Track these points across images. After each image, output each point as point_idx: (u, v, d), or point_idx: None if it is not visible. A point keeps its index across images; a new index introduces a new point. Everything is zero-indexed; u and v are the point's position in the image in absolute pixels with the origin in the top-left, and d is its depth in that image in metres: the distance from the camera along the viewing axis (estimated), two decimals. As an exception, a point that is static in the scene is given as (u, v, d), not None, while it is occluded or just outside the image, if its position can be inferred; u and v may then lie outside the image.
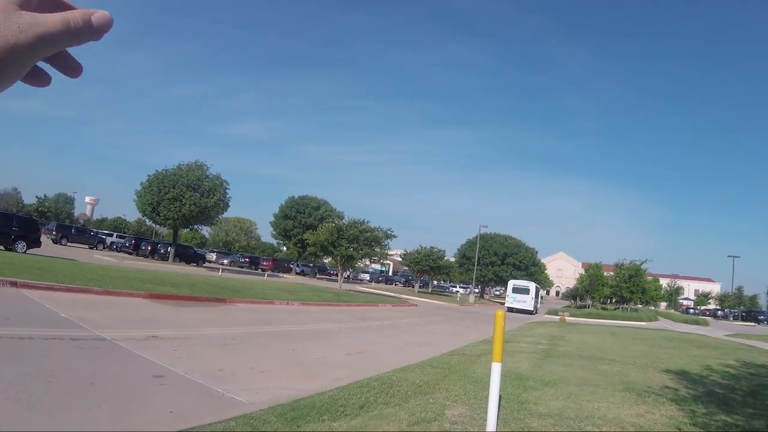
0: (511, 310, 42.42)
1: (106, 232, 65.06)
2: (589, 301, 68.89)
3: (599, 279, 60.29)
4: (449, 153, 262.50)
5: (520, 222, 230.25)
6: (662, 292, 79.74)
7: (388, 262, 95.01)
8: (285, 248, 75.25)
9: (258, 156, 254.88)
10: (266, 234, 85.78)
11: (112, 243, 53.07)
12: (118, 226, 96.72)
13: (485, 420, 5.26)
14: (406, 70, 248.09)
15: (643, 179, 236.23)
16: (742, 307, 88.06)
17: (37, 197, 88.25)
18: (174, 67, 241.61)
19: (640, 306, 63.50)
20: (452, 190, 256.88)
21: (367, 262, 50.43)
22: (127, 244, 49.91)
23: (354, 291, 38.31)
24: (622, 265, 56.20)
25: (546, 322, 31.48)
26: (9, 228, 24.24)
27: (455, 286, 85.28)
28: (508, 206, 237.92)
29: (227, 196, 44.55)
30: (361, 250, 38.11)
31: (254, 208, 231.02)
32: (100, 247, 50.09)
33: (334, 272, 67.09)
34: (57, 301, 11.54)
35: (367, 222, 39.01)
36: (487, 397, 5.30)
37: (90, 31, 0.66)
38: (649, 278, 59.99)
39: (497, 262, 66.66)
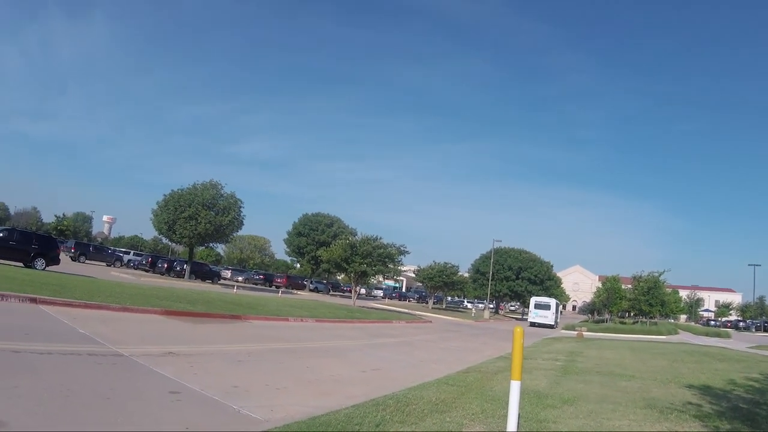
0: (533, 324, 46.35)
1: (123, 249, 65.83)
2: (606, 315, 67.96)
3: (617, 292, 59.42)
4: (460, 167, 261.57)
5: (534, 235, 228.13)
6: (682, 305, 78.22)
7: (401, 278, 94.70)
8: (299, 265, 75.51)
9: (270, 174, 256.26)
10: (280, 251, 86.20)
11: (129, 260, 53.65)
12: (135, 244, 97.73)
13: (504, 438, 5.17)
14: (414, 85, 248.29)
15: (658, 189, 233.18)
16: (764, 318, 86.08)
17: (55, 216, 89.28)
18: (186, 88, 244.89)
19: (659, 319, 62.44)
20: (464, 205, 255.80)
21: (381, 279, 50.38)
22: (143, 262, 50.33)
23: (368, 307, 38.21)
24: (640, 277, 55.11)
25: (563, 338, 31.09)
26: (29, 246, 24.59)
27: (471, 302, 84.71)
28: (522, 220, 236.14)
29: (241, 214, 44.89)
30: (375, 266, 38.02)
31: (268, 226, 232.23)
32: (118, 264, 50.64)
33: (348, 289, 66.91)
34: (75, 317, 11.64)
35: (380, 238, 38.98)
36: (505, 416, 5.22)
37: None
38: (668, 290, 59.03)
39: (512, 276, 66.14)
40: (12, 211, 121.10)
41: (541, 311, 49.01)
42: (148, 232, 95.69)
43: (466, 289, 68.94)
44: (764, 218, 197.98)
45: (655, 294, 53.08)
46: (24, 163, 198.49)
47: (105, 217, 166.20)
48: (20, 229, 28.88)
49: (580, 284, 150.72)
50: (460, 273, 62.24)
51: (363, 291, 75.92)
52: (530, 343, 23.31)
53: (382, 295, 79.96)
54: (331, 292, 67.51)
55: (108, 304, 14.18)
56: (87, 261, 46.22)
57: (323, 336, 16.89)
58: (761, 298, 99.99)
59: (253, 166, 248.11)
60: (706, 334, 49.24)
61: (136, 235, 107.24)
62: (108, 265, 47.58)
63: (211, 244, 55.43)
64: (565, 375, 12.41)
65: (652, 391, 10.43)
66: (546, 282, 68.49)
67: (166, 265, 47.30)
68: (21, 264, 23.91)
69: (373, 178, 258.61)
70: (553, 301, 51.76)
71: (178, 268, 47.23)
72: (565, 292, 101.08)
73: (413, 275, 68.15)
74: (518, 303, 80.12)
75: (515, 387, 5.06)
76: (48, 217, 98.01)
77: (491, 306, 67.37)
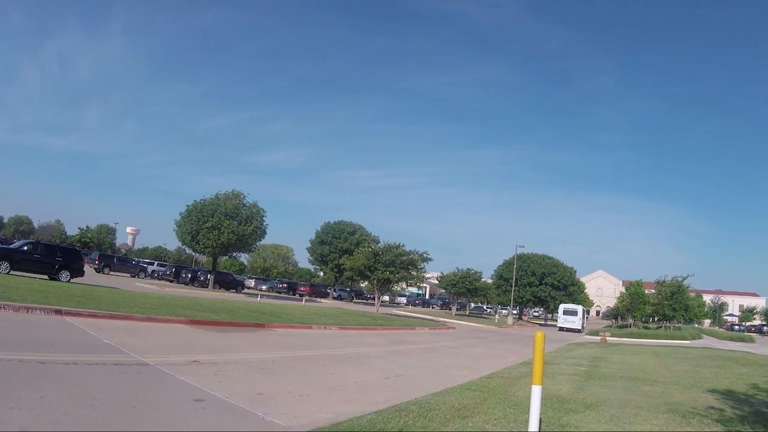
0: (562, 329, 51.89)
1: (147, 260, 66.63)
2: (630, 321, 66.95)
3: (640, 297, 58.72)
4: (481, 173, 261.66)
5: (557, 241, 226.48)
6: (706, 309, 76.79)
7: (424, 285, 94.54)
8: (322, 273, 75.74)
9: (292, 182, 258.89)
10: (303, 260, 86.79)
11: (153, 271, 54.22)
12: (158, 254, 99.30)
13: (526, 443, 5.16)
14: (434, 92, 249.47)
15: (681, 193, 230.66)
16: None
17: (79, 228, 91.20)
18: (207, 99, 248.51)
19: (683, 324, 61.41)
20: (486, 211, 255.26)
21: (404, 286, 50.40)
22: (167, 272, 50.95)
23: (391, 314, 38.16)
24: (664, 282, 54.63)
25: (587, 343, 30.71)
26: (53, 258, 25.02)
27: (491, 308, 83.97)
28: (545, 225, 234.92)
29: (264, 223, 45.29)
30: (398, 273, 37.98)
31: (291, 234, 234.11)
32: (142, 275, 51.16)
33: (371, 296, 67.01)
34: (100, 327, 11.84)
35: (403, 246, 38.95)
36: (527, 421, 5.20)
37: None
38: (692, 295, 58.15)
39: (535, 282, 65.62)
40: (36, 224, 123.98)
41: (569, 317, 53.90)
42: (172, 243, 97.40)
43: (490, 295, 68.55)
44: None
45: (678, 299, 52.55)
46: (47, 176, 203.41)
47: (128, 229, 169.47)
48: (44, 242, 29.37)
49: (603, 289, 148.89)
50: (483, 279, 61.94)
51: (386, 298, 75.99)
52: (554, 348, 23.05)
53: (405, 302, 79.86)
54: (355, 300, 67.63)
55: (133, 314, 14.37)
56: (111, 272, 46.72)
57: (346, 343, 16.92)
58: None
59: (274, 175, 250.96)
60: (730, 339, 48.69)
61: (160, 246, 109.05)
62: (132, 276, 48.20)
63: (234, 254, 55.94)
64: (588, 380, 12.28)
65: (674, 396, 10.29)
66: (569, 287, 67.80)
67: (190, 275, 47.85)
68: (46, 277, 24.31)
69: (396, 184, 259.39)
70: (579, 308, 56.22)
71: (202, 278, 47.73)
72: (588, 298, 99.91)
73: (436, 282, 68.00)
74: (541, 309, 79.39)
75: (536, 391, 5.05)
76: (72, 230, 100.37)
77: (515, 312, 66.85)
